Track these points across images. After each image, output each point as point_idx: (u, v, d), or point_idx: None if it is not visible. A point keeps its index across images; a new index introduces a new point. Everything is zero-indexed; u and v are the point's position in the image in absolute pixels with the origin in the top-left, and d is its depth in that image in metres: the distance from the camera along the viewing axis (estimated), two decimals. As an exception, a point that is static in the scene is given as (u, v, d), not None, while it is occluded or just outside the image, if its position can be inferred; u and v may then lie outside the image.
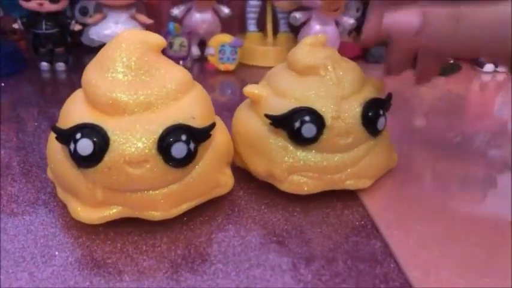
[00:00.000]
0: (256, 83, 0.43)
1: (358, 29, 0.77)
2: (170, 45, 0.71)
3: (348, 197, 0.41)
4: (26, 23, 0.67)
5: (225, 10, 0.74)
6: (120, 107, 0.34)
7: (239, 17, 0.80)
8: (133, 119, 0.34)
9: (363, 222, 0.38)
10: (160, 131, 0.34)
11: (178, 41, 0.71)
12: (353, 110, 0.38)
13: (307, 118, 0.37)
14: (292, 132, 0.38)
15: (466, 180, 0.45)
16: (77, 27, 0.69)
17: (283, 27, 0.79)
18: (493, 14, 0.30)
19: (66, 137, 0.34)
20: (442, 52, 0.41)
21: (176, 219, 0.37)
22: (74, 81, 0.68)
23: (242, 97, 0.43)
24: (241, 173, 0.42)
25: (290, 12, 0.72)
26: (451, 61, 0.75)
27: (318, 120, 0.37)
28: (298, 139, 0.38)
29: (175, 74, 0.37)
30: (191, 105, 0.36)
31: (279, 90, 0.40)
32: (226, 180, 0.39)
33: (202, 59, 0.75)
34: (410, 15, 0.32)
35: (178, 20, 0.73)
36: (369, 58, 0.77)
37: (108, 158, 0.33)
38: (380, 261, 0.34)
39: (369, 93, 0.40)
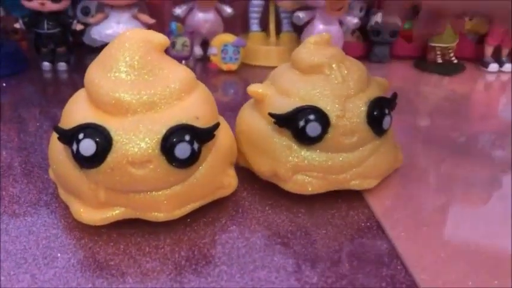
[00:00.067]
0: (260, 82, 0.42)
1: (361, 28, 0.76)
2: (172, 44, 0.71)
3: (353, 197, 0.41)
4: (27, 23, 0.67)
5: (228, 10, 0.73)
6: (123, 106, 0.34)
7: (241, 16, 0.79)
8: (136, 119, 0.34)
9: (368, 224, 0.38)
10: (164, 131, 0.33)
11: (180, 41, 0.71)
12: (358, 108, 0.38)
13: (311, 117, 0.37)
14: (297, 131, 0.37)
15: (470, 180, 0.45)
16: (79, 27, 0.69)
17: (286, 27, 0.78)
18: None
19: (69, 137, 0.34)
20: None
21: (179, 220, 0.36)
22: (75, 81, 0.68)
23: (245, 97, 0.42)
24: (245, 174, 0.42)
25: (293, 11, 0.72)
26: (455, 61, 0.75)
27: (323, 119, 0.37)
28: (303, 138, 0.37)
29: (179, 73, 0.36)
30: (195, 105, 0.36)
31: (283, 90, 0.39)
32: (230, 181, 0.39)
33: (204, 59, 0.74)
34: None
35: (181, 20, 0.72)
36: (373, 58, 0.76)
37: (111, 158, 0.33)
38: (386, 263, 0.34)
39: (374, 92, 0.39)
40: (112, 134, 0.33)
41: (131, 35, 0.36)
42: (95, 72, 0.36)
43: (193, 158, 0.34)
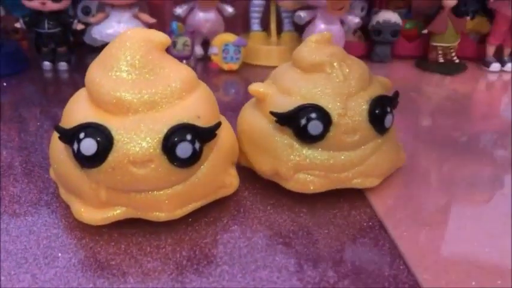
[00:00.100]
0: (261, 82, 0.42)
1: (363, 28, 0.76)
2: (173, 44, 0.71)
3: (355, 197, 0.40)
4: (28, 22, 0.67)
5: (229, 9, 0.73)
6: (124, 106, 0.34)
7: (242, 16, 0.79)
8: (137, 118, 0.33)
9: (370, 223, 0.38)
10: (165, 130, 0.33)
11: (181, 40, 0.71)
12: (360, 107, 0.38)
13: (313, 115, 0.37)
14: (298, 129, 0.37)
15: (473, 180, 0.44)
16: (80, 27, 0.69)
17: (287, 26, 0.78)
18: None
19: (70, 136, 0.33)
20: None
21: (181, 220, 0.36)
22: (76, 81, 0.68)
23: (246, 97, 0.42)
24: (246, 173, 0.42)
25: (294, 11, 0.72)
26: (457, 60, 0.75)
27: (325, 118, 0.37)
28: (305, 137, 0.37)
29: (180, 72, 0.36)
30: (196, 105, 0.36)
31: (285, 88, 0.39)
32: (231, 181, 0.39)
33: (205, 59, 0.74)
34: None
35: (182, 19, 0.72)
36: (374, 57, 0.76)
37: (112, 157, 0.33)
38: (389, 263, 0.34)
39: (375, 90, 0.39)
40: (113, 133, 0.33)
41: (132, 34, 0.36)
42: (95, 71, 0.36)
43: (194, 158, 0.34)
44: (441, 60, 0.74)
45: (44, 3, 0.64)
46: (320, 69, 0.39)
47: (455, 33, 0.73)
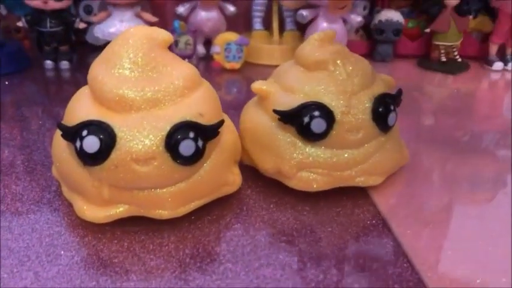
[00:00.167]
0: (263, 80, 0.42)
1: (365, 27, 0.76)
2: (176, 43, 0.71)
3: (358, 195, 0.40)
4: (30, 21, 0.67)
5: (231, 8, 0.73)
6: (127, 103, 0.33)
7: (244, 15, 0.79)
8: (140, 116, 0.33)
9: (374, 221, 0.38)
10: (168, 128, 0.33)
11: (183, 39, 0.70)
12: (363, 105, 0.38)
13: (316, 113, 0.37)
14: (301, 127, 0.37)
15: (475, 179, 0.44)
16: (82, 25, 0.69)
17: (289, 25, 0.78)
18: None
19: (72, 134, 0.33)
20: None
21: (184, 218, 0.36)
22: (78, 80, 0.68)
23: (248, 95, 0.42)
24: (249, 171, 0.42)
25: (296, 10, 0.72)
26: (459, 59, 0.75)
27: (328, 115, 0.37)
28: (308, 134, 0.37)
29: (183, 70, 0.36)
30: (199, 102, 0.35)
31: (288, 86, 0.39)
32: (234, 179, 0.39)
33: (207, 58, 0.74)
34: None
35: (184, 18, 0.72)
36: (376, 56, 0.76)
37: (114, 155, 0.33)
38: (393, 261, 0.34)
39: (379, 88, 0.39)
40: (116, 130, 0.33)
41: (135, 32, 0.36)
42: (98, 69, 0.35)
43: (197, 155, 0.34)
44: (443, 59, 0.74)
45: (46, 2, 0.64)
46: (323, 67, 0.38)
47: (457, 32, 0.73)
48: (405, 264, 0.33)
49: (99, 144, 0.32)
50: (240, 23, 0.79)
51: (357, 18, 0.71)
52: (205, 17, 0.72)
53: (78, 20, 0.69)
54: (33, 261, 0.33)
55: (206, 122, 0.34)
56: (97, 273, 0.32)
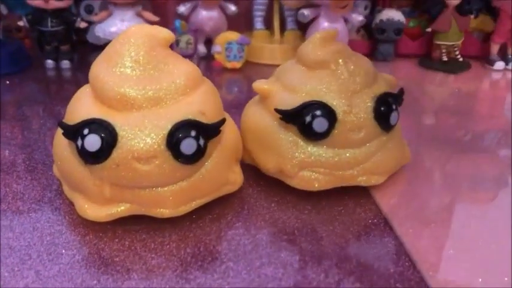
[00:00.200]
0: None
1: (366, 26, 0.76)
2: (177, 42, 0.71)
3: (360, 194, 0.40)
4: (31, 20, 0.67)
5: (232, 8, 0.73)
6: (128, 102, 0.33)
7: (245, 14, 0.79)
8: (141, 115, 0.33)
9: (375, 220, 0.38)
10: (170, 126, 0.33)
11: (184, 39, 0.71)
12: (365, 104, 0.38)
13: (318, 112, 0.37)
14: (303, 126, 0.37)
15: (477, 178, 0.44)
16: (83, 25, 0.69)
17: (290, 25, 0.78)
18: None
19: (74, 132, 0.33)
20: None
21: (185, 216, 0.36)
22: (79, 79, 0.68)
23: (249, 95, 0.42)
24: (250, 171, 0.42)
25: (298, 9, 0.72)
26: (461, 59, 0.75)
27: (330, 115, 0.37)
28: (309, 134, 0.37)
29: (184, 69, 0.36)
30: (200, 101, 0.35)
31: (289, 85, 0.39)
32: (235, 178, 0.39)
33: (208, 57, 0.74)
34: None
35: (185, 18, 0.72)
36: (377, 56, 0.76)
37: (116, 154, 0.33)
38: (394, 260, 0.33)
39: (381, 87, 0.39)
40: (117, 129, 0.33)
41: (136, 30, 0.36)
42: (99, 67, 0.35)
43: (199, 154, 0.34)
44: (445, 58, 0.74)
45: (47, 1, 0.64)
46: (325, 66, 0.38)
47: (459, 32, 0.73)
48: (407, 263, 0.33)
49: (101, 142, 0.32)
50: (241, 22, 0.79)
51: (358, 18, 0.71)
52: (206, 16, 0.72)
53: (79, 19, 0.69)
54: (34, 260, 0.33)
55: (208, 121, 0.34)
56: (98, 272, 0.32)
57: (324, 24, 0.69)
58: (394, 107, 0.39)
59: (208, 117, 0.35)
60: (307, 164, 0.38)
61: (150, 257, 0.33)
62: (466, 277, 0.32)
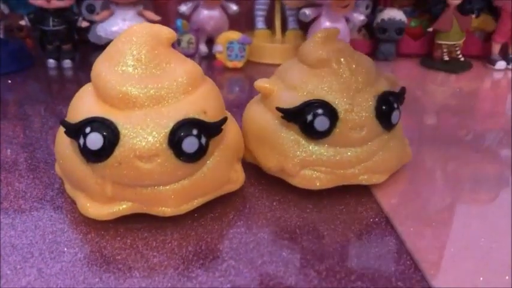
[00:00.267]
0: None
1: (367, 26, 0.76)
2: (178, 42, 0.71)
3: (361, 193, 0.40)
4: (33, 20, 0.67)
5: (233, 7, 0.73)
6: (130, 100, 0.33)
7: (247, 14, 0.79)
8: (143, 113, 0.33)
9: (377, 219, 0.38)
10: (171, 125, 0.33)
11: (186, 38, 0.71)
12: (366, 103, 0.38)
13: (319, 111, 0.37)
14: (305, 125, 0.37)
15: (478, 177, 0.44)
16: (84, 24, 0.69)
17: (291, 24, 0.78)
18: None
19: (76, 131, 0.33)
20: None
21: (187, 215, 0.36)
22: (80, 79, 0.68)
23: (251, 94, 0.42)
24: (252, 169, 0.42)
25: (299, 9, 0.72)
26: (462, 58, 0.75)
27: (331, 113, 0.37)
28: (311, 132, 0.37)
29: (186, 67, 0.36)
30: (202, 100, 0.35)
31: (291, 84, 0.39)
32: (237, 176, 0.39)
33: (210, 57, 0.74)
34: None
35: (186, 17, 0.72)
36: (379, 55, 0.76)
37: (118, 152, 0.33)
38: (395, 259, 0.34)
39: (382, 86, 0.39)
40: (119, 127, 0.33)
41: (138, 29, 0.36)
42: (102, 66, 0.35)
43: (200, 153, 0.34)
44: (446, 58, 0.74)
45: (49, 1, 0.65)
46: (327, 65, 0.38)
47: (460, 31, 0.73)
48: (408, 262, 0.33)
49: (103, 141, 0.32)
50: (243, 21, 0.79)
51: (359, 17, 0.71)
52: (208, 15, 0.72)
53: (80, 18, 0.69)
54: (37, 258, 0.33)
55: (209, 119, 0.34)
56: (100, 270, 0.32)
57: (326, 23, 0.69)
58: (395, 105, 0.39)
59: (210, 116, 0.35)
60: (308, 162, 0.38)
61: (152, 255, 0.33)
62: (466, 276, 0.32)
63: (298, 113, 0.37)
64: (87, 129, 0.33)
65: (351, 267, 0.33)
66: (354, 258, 0.34)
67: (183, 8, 0.72)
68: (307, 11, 0.70)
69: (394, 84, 0.41)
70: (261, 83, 0.40)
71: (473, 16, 0.74)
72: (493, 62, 0.74)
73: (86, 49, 0.74)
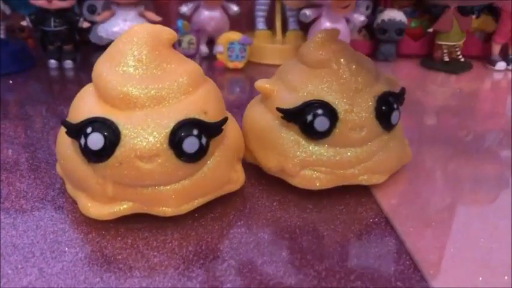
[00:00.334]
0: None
1: (368, 26, 0.76)
2: (179, 42, 0.71)
3: (361, 193, 0.40)
4: (34, 20, 0.67)
5: (234, 8, 0.73)
6: (131, 101, 0.34)
7: (247, 15, 0.79)
8: (144, 113, 0.34)
9: (376, 219, 0.38)
10: (172, 125, 0.33)
11: (186, 39, 0.71)
12: (366, 103, 0.38)
13: (319, 111, 0.37)
14: (305, 125, 0.37)
15: (478, 178, 0.44)
16: (85, 25, 0.69)
17: (292, 25, 0.78)
18: None
19: (77, 131, 0.34)
20: None
21: (187, 215, 0.36)
22: (82, 79, 0.68)
23: (251, 95, 0.42)
24: (252, 170, 0.42)
25: (299, 9, 0.72)
26: (462, 59, 0.75)
27: (331, 114, 0.37)
28: (311, 133, 0.37)
29: (187, 68, 0.36)
30: (203, 100, 0.36)
31: (291, 85, 0.39)
32: (237, 177, 0.39)
33: (210, 57, 0.74)
34: None
35: (187, 18, 0.73)
36: (379, 56, 0.76)
37: (119, 152, 0.33)
38: (395, 259, 0.34)
39: (382, 87, 0.39)
40: (120, 128, 0.33)
41: (139, 30, 0.36)
42: (103, 66, 0.36)
43: (201, 153, 0.34)
44: (446, 58, 0.74)
45: (50, 1, 0.65)
46: (327, 65, 0.39)
47: (460, 32, 0.73)
48: (407, 262, 0.33)
49: (104, 141, 0.32)
50: (243, 22, 0.79)
51: (359, 18, 0.71)
52: (209, 16, 0.72)
53: (82, 19, 0.69)
54: (38, 257, 0.33)
55: (210, 120, 0.34)
56: (101, 270, 0.32)
57: (326, 24, 0.70)
58: (395, 106, 0.39)
59: (211, 116, 0.35)
60: (308, 163, 0.38)
61: (153, 255, 0.33)
62: (466, 276, 0.32)
63: (298, 113, 0.37)
64: (88, 130, 0.33)
65: (350, 267, 0.33)
66: (353, 258, 0.34)
67: (184, 9, 0.72)
68: (307, 12, 0.70)
69: (394, 84, 0.41)
70: (261, 84, 0.40)
71: (474, 17, 0.75)
72: (493, 63, 0.74)
73: (87, 50, 0.75)
